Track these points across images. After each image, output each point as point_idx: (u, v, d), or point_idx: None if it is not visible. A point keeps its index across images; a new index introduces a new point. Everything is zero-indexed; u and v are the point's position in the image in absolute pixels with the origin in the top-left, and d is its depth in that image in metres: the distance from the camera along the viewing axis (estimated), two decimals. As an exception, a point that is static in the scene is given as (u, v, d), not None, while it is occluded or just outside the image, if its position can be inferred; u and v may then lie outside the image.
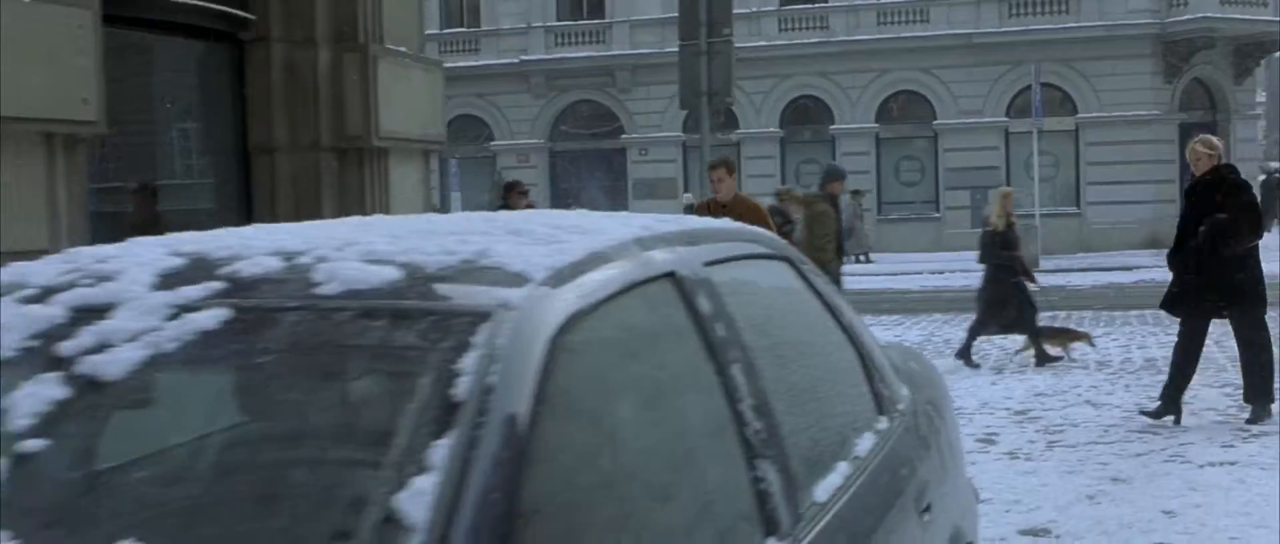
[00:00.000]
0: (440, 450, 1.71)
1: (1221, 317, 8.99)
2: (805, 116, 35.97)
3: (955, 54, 34.26)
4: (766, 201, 13.45)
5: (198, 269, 2.18)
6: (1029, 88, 29.63)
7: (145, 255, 2.28)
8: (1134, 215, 32.09)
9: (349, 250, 2.17)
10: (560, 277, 2.10)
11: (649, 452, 2.19)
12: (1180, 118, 33.22)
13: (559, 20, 37.63)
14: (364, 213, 7.74)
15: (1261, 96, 45.50)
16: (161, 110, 8.14)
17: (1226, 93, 34.20)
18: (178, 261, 2.22)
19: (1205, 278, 8.66)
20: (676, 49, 34.99)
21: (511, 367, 1.85)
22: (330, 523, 1.70)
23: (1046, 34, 33.29)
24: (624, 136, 37.11)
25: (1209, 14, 31.98)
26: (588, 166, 37.80)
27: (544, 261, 2.13)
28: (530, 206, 11.70)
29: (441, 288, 2.04)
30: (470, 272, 2.10)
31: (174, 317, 2.02)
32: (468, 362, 1.84)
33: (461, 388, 1.80)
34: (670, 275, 2.43)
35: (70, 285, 2.18)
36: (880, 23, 35.22)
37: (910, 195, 35.30)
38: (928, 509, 3.20)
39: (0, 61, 5.43)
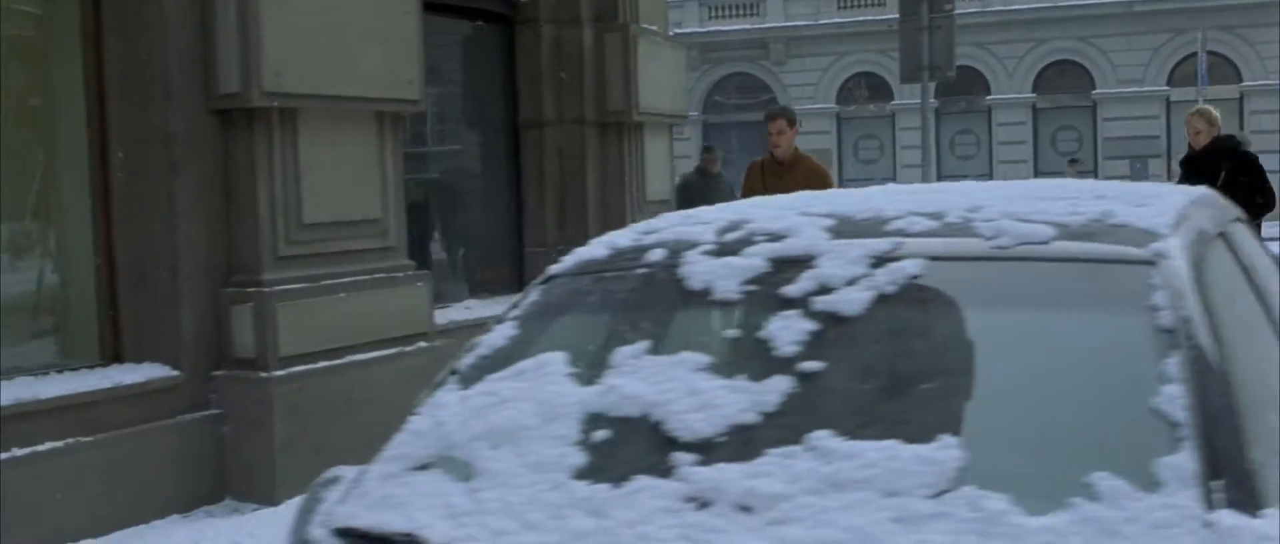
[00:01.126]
0: (1173, 365, 2.12)
1: None
2: (960, 87, 35.64)
3: (1115, 22, 33.81)
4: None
5: (857, 226, 2.58)
6: (1191, 56, 29.17)
7: (791, 218, 2.64)
8: (1302, 184, 31.40)
9: (983, 211, 2.56)
10: (1173, 231, 2.50)
11: (1259, 371, 2.54)
12: (1351, 84, 32.50)
13: (713, -7, 37.97)
14: (624, 182, 8.27)
15: None
16: (436, 85, 8.70)
17: (1399, 59, 33.34)
18: (827, 220, 2.60)
19: None
20: (830, 21, 35.18)
21: (1188, 301, 2.26)
22: (1103, 421, 2.12)
23: (1209, 1, 32.74)
24: (777, 108, 37.25)
25: (1383, -23, 31.18)
26: (740, 138, 37.89)
27: (1159, 221, 2.52)
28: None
29: (1096, 241, 2.44)
30: (1108, 229, 2.49)
31: (877, 264, 2.40)
32: (1159, 298, 2.25)
33: (1165, 318, 2.21)
34: (1222, 234, 2.85)
35: (748, 240, 2.58)
36: (1038, -8, 34.96)
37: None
38: None
39: (346, 46, 6.00)
